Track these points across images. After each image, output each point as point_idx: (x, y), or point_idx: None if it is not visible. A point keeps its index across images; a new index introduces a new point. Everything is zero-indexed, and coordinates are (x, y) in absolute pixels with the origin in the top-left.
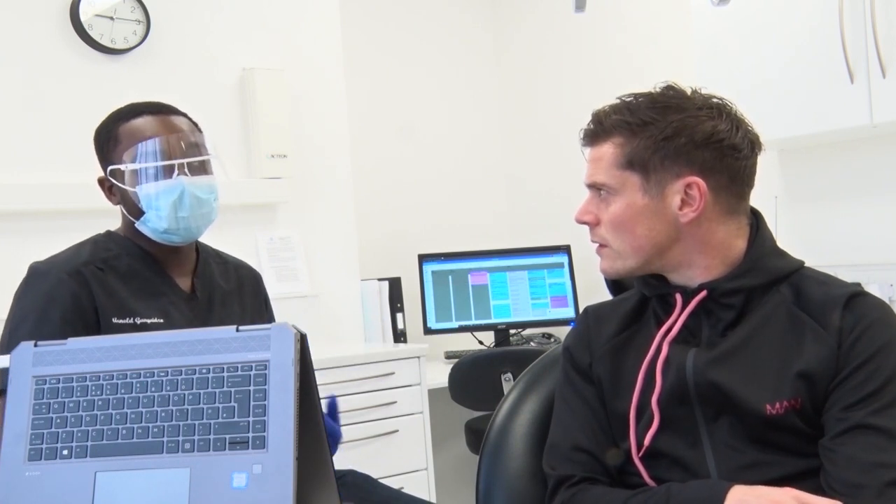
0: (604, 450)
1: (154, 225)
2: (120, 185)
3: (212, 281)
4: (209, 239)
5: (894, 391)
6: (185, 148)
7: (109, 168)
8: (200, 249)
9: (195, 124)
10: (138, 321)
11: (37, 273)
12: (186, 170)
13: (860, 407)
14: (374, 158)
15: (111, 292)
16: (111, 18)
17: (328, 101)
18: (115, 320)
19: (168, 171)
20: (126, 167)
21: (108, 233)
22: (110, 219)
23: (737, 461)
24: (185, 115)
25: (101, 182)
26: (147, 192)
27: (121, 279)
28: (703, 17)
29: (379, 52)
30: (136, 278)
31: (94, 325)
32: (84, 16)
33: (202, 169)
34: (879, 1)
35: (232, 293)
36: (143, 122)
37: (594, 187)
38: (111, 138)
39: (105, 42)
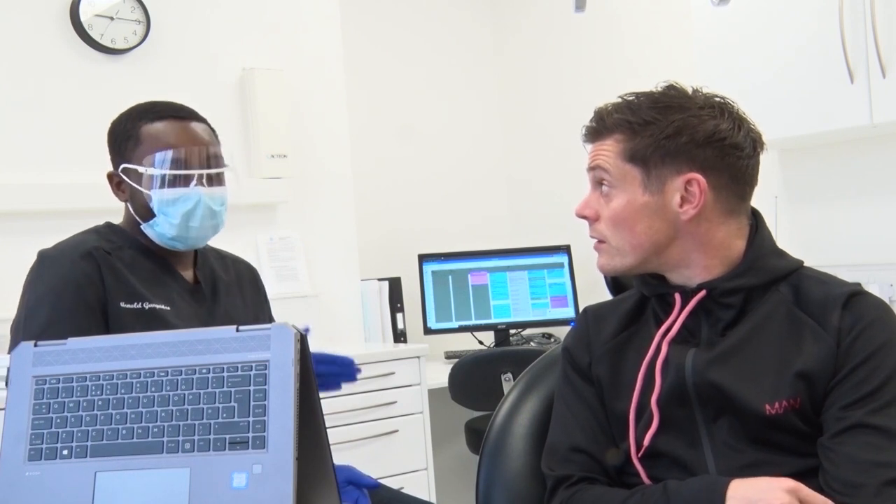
0: (603, 450)
1: (162, 230)
2: (133, 184)
3: (213, 273)
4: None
5: (893, 390)
6: (205, 159)
7: (123, 166)
8: None
9: (213, 130)
10: (146, 306)
11: (48, 258)
12: (204, 180)
13: (859, 406)
14: (374, 158)
15: (118, 277)
16: (111, 18)
17: (328, 101)
18: (122, 304)
19: (186, 181)
20: (146, 170)
21: (109, 224)
22: (111, 218)
23: (736, 461)
24: (205, 120)
25: (110, 177)
26: (162, 198)
27: (126, 268)
28: (703, 17)
29: (379, 52)
30: (140, 268)
31: (105, 305)
32: (84, 16)
33: (218, 180)
34: (879, 1)
35: (232, 284)
36: (167, 128)
37: (596, 170)
38: (131, 137)
39: (105, 42)
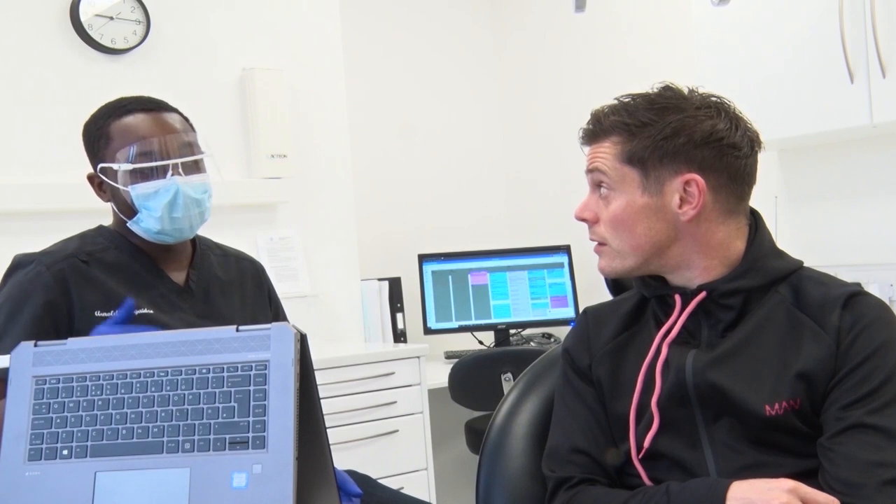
0: (603, 451)
1: (147, 225)
2: (112, 183)
3: (209, 273)
4: (210, 236)
5: (892, 390)
6: (178, 147)
7: (100, 166)
8: (198, 242)
9: (187, 120)
10: None
11: (19, 265)
12: (180, 169)
13: (858, 406)
14: (374, 158)
15: (96, 285)
16: (111, 18)
17: (328, 101)
18: (97, 313)
19: (162, 172)
20: (119, 167)
21: (100, 227)
22: (111, 218)
23: (736, 462)
24: (176, 110)
25: (91, 179)
26: (140, 192)
27: (107, 271)
28: (703, 17)
29: (379, 52)
30: (123, 270)
31: (66, 323)
32: (84, 16)
33: (196, 168)
34: (879, 1)
35: (232, 283)
36: (135, 121)
37: (594, 172)
38: (102, 135)
39: (105, 42)
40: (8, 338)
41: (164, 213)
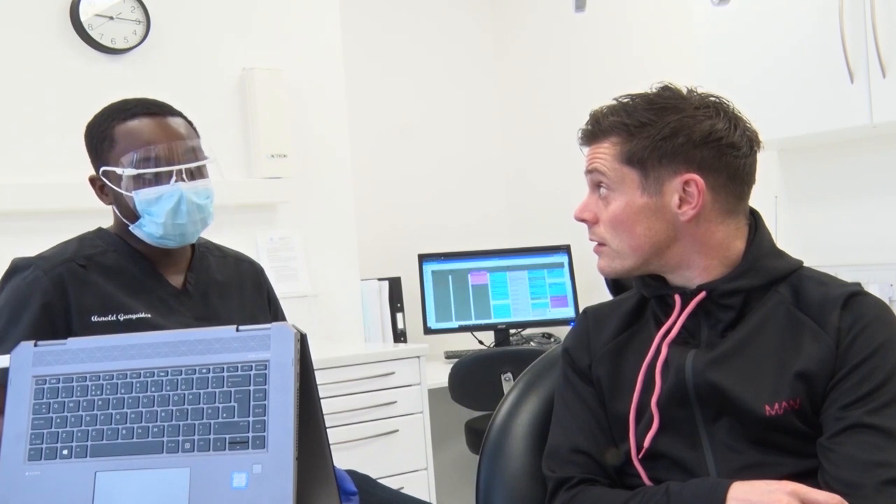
0: (603, 451)
1: (149, 230)
2: (115, 187)
3: (208, 275)
4: (210, 238)
5: (892, 390)
6: (183, 153)
7: (103, 169)
8: (197, 244)
9: (191, 124)
10: (122, 317)
11: (17, 269)
12: (184, 175)
13: (858, 406)
14: (373, 158)
15: (94, 289)
16: (111, 18)
17: (328, 100)
18: (94, 318)
19: (166, 178)
20: (124, 171)
21: (99, 229)
22: (111, 218)
23: (736, 462)
24: (180, 114)
25: (93, 181)
26: (144, 197)
27: (105, 275)
28: (703, 17)
29: (379, 52)
30: (122, 274)
31: (64, 326)
32: (84, 16)
33: (199, 173)
34: (879, 1)
35: (231, 286)
36: (140, 125)
37: (593, 173)
38: (106, 138)
39: (105, 42)
40: (7, 342)
41: (167, 218)
